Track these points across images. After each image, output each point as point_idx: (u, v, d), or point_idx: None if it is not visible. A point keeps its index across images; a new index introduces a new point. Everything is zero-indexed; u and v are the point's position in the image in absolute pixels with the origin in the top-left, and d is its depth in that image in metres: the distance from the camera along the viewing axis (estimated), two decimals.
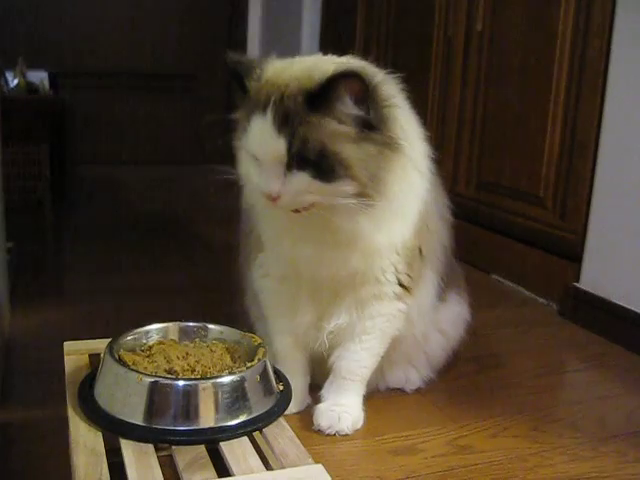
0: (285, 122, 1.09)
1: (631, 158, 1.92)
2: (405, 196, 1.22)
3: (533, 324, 2.09)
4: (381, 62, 3.21)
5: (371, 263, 1.27)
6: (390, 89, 1.20)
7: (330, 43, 3.69)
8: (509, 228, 2.44)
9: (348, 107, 1.10)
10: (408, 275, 1.32)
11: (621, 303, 1.94)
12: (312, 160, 1.09)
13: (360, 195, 1.13)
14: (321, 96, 1.09)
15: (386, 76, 1.22)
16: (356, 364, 1.37)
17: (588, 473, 1.29)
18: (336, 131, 1.10)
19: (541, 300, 2.26)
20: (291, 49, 3.83)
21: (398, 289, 1.32)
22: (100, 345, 1.22)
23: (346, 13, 3.52)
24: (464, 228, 2.60)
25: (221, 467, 0.96)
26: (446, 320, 1.55)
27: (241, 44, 4.29)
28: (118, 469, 0.94)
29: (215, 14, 4.43)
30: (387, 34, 3.21)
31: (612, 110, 1.99)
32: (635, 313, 1.89)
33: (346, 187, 1.11)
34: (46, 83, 3.80)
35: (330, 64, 1.15)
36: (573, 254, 2.13)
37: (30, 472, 1.20)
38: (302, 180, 1.11)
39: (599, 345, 1.92)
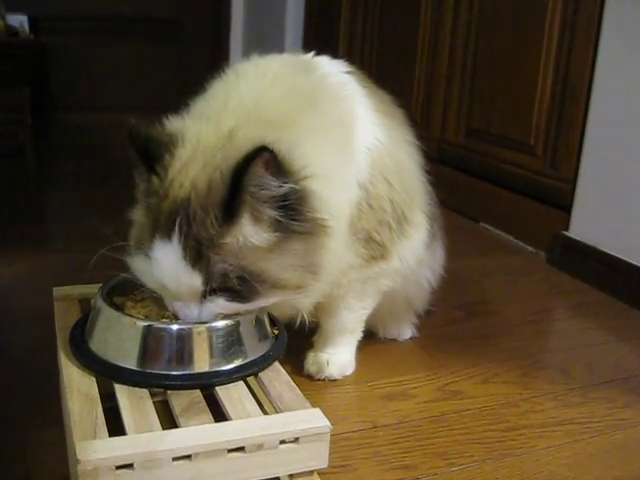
0: (198, 254, 0.96)
1: (623, 106, 1.90)
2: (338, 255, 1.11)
3: (522, 272, 2.09)
4: (369, 8, 3.14)
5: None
6: (300, 156, 1.00)
7: None
8: (498, 176, 2.42)
9: (270, 187, 0.95)
10: (377, 244, 1.23)
11: (610, 252, 1.94)
12: (231, 287, 0.98)
13: (291, 293, 1.04)
14: (235, 198, 0.95)
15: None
16: (339, 322, 1.34)
17: (578, 418, 1.30)
18: (255, 244, 0.98)
19: (530, 248, 2.25)
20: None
21: (365, 260, 1.24)
22: (90, 290, 1.20)
23: None
24: (453, 176, 2.60)
25: (217, 412, 0.95)
26: (433, 266, 1.49)
27: None
28: (113, 414, 0.93)
29: None
30: None
31: (605, 58, 1.97)
32: (623, 262, 1.89)
33: (273, 299, 1.03)
34: (26, 26, 3.71)
35: (242, 146, 0.96)
36: (563, 202, 2.12)
37: (23, 419, 1.18)
38: (221, 305, 1.01)
39: (587, 293, 1.93)
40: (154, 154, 1.01)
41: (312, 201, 1.01)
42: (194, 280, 0.97)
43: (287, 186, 0.96)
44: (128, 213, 1.07)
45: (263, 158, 0.92)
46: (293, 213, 0.99)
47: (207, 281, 0.97)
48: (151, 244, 0.98)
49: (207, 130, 1.04)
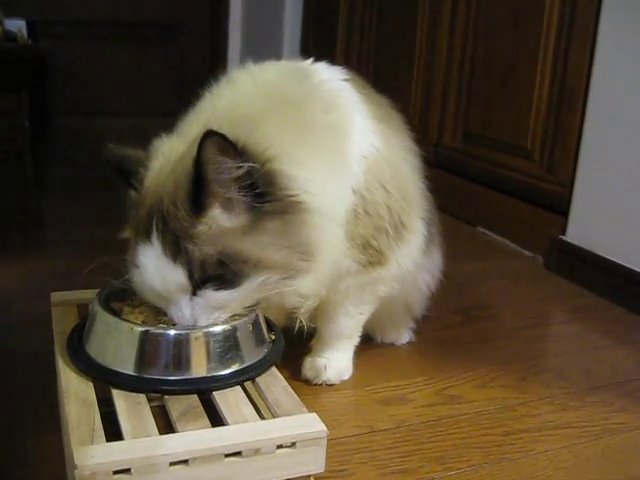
0: (177, 247, 0.98)
1: (620, 111, 1.91)
2: (331, 232, 1.12)
3: (519, 277, 2.09)
4: (367, 12, 3.13)
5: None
6: (260, 139, 1.03)
7: None
8: (496, 180, 2.42)
9: (228, 170, 0.97)
10: (374, 250, 1.24)
11: (606, 256, 1.94)
12: (213, 274, 1.00)
13: (284, 276, 1.04)
14: (199, 188, 0.97)
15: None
16: (337, 327, 1.34)
17: (575, 422, 1.30)
18: (227, 227, 0.99)
19: (527, 253, 2.26)
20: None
21: (362, 266, 1.25)
22: (88, 295, 1.21)
23: None
24: (450, 180, 2.60)
25: (215, 417, 0.96)
26: (431, 270, 1.49)
27: None
28: (111, 419, 0.93)
29: None
30: None
31: (602, 62, 1.97)
32: (620, 266, 1.89)
33: (262, 279, 1.02)
34: (24, 31, 3.70)
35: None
36: (560, 207, 2.12)
37: (21, 424, 1.18)
38: (210, 297, 1.02)
39: (584, 297, 1.93)
40: (129, 170, 1.08)
41: (280, 180, 1.02)
42: (177, 274, 0.99)
43: (246, 166, 0.98)
44: (120, 233, 1.10)
45: (212, 142, 0.94)
46: (260, 193, 1.00)
47: (190, 273, 0.99)
48: (136, 252, 1.02)
49: (178, 140, 1.10)
